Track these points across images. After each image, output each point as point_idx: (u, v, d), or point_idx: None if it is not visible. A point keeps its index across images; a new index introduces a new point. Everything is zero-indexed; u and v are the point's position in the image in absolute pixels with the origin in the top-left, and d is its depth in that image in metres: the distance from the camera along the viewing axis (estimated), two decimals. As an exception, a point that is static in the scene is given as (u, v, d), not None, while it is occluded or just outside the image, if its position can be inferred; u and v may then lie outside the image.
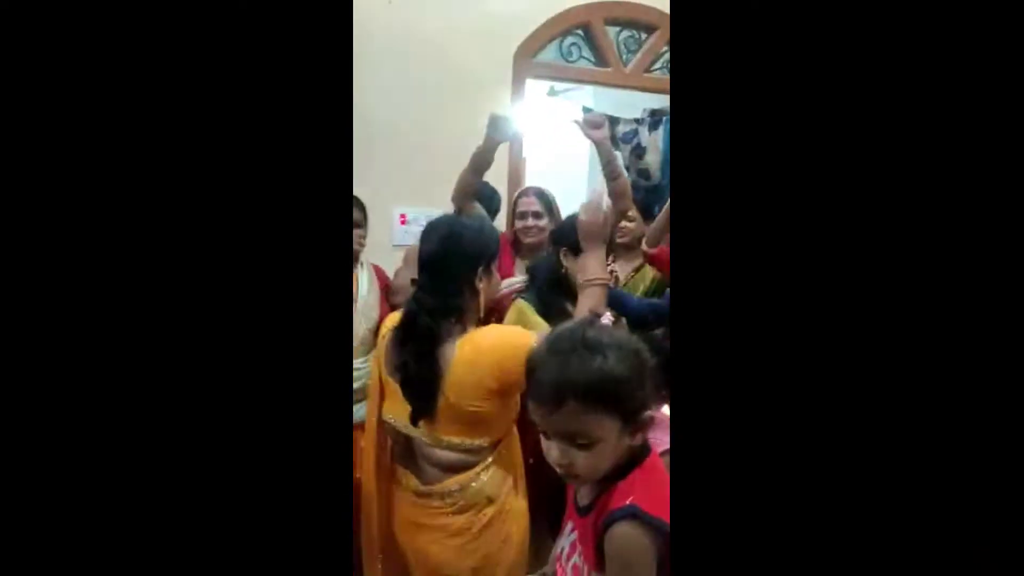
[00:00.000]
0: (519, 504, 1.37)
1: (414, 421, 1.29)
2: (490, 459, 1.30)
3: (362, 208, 1.99)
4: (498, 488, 1.31)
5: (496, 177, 2.36)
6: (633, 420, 0.81)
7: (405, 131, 2.53)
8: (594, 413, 0.78)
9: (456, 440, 1.27)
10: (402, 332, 1.30)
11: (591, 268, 1.36)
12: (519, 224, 2.00)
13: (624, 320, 1.59)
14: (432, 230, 1.34)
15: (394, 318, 1.40)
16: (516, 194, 2.11)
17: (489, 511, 1.30)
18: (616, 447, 0.81)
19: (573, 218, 1.66)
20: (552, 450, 0.82)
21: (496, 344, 1.25)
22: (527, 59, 2.65)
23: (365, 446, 1.45)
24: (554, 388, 0.79)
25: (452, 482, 1.29)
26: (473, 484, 1.28)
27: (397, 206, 2.53)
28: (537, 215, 1.98)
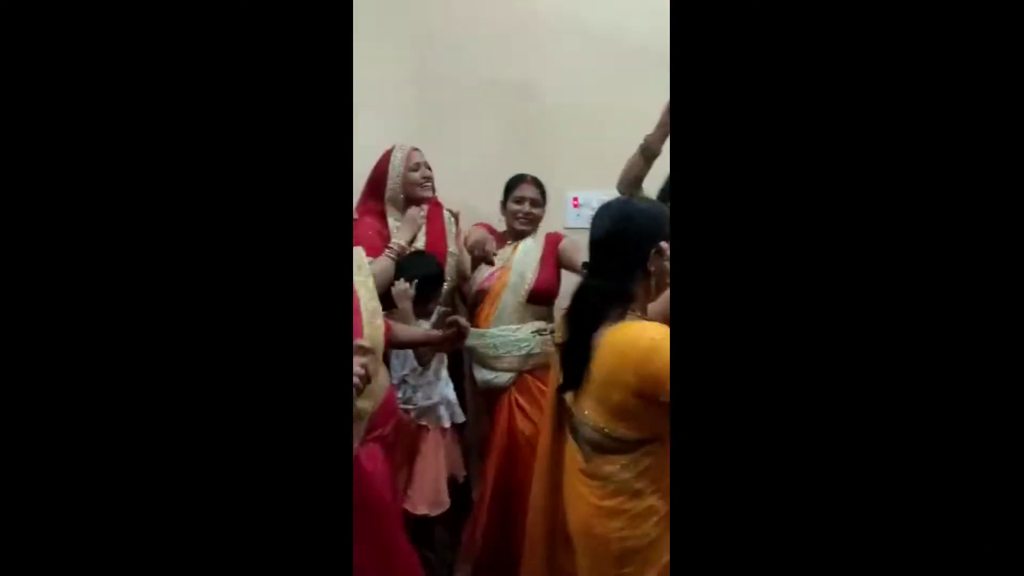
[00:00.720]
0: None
1: (561, 390, 1.35)
2: (638, 455, 1.27)
3: (541, 188, 2.04)
4: (650, 486, 1.27)
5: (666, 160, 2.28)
6: None
7: (580, 113, 2.52)
8: None
9: (600, 423, 1.26)
10: (570, 308, 1.34)
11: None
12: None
13: None
14: (604, 211, 1.34)
15: None
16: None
17: (636, 505, 1.27)
18: None
19: None
20: None
21: (647, 342, 1.21)
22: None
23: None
24: None
25: (602, 462, 1.29)
26: (621, 474, 1.26)
27: (570, 189, 2.54)
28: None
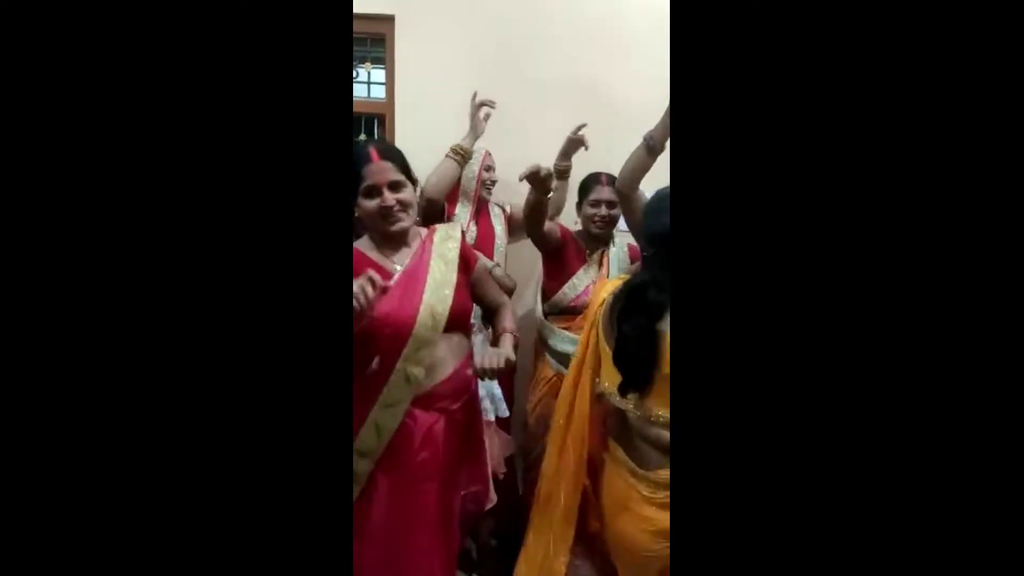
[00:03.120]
0: None
1: (623, 391, 1.27)
2: None
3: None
4: None
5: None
6: None
7: (651, 113, 2.46)
8: None
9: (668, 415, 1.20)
10: (625, 303, 1.28)
11: None
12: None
13: None
14: (661, 204, 1.26)
15: (610, 286, 1.39)
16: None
17: None
18: None
19: None
20: None
21: None
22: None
23: (577, 415, 1.46)
24: None
25: (667, 472, 1.21)
26: None
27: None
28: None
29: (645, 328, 1.22)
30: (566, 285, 2.01)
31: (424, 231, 1.48)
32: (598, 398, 1.38)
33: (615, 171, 2.15)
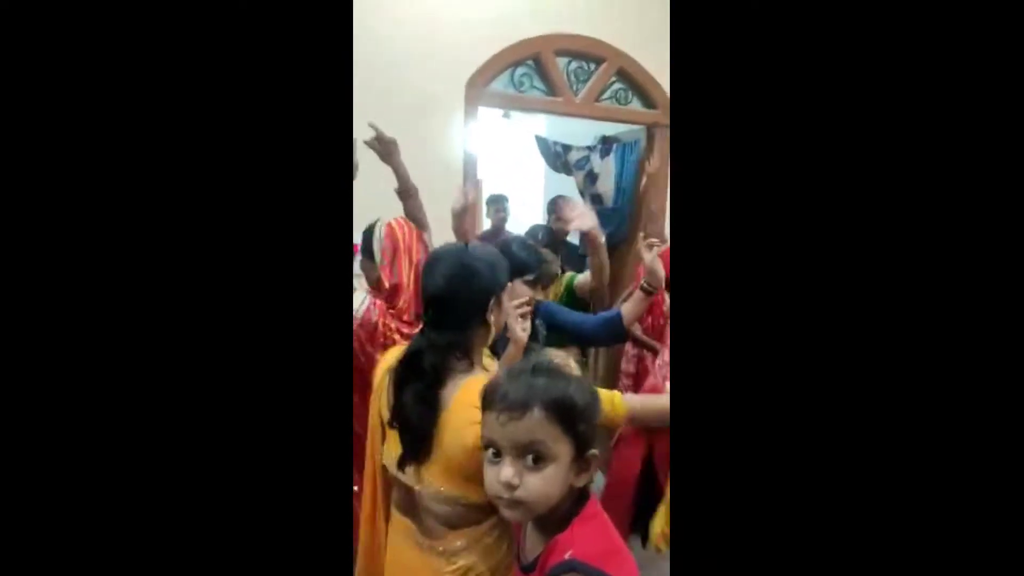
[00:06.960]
0: None
1: (401, 465, 1.17)
2: (487, 527, 1.16)
3: None
4: (496, 556, 1.18)
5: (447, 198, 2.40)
6: (582, 453, 0.83)
7: (359, 157, 2.56)
8: (554, 427, 0.81)
9: (454, 492, 1.14)
10: (404, 370, 1.18)
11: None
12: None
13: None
14: (438, 262, 1.22)
15: (391, 356, 1.31)
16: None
17: None
18: (564, 478, 0.81)
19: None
20: (504, 469, 0.81)
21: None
22: (479, 88, 2.71)
23: (365, 490, 1.36)
24: (522, 396, 0.81)
25: (455, 537, 1.16)
26: (473, 548, 1.15)
27: (351, 231, 2.55)
28: None
29: (423, 395, 1.15)
30: None
31: None
32: (382, 470, 1.30)
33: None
